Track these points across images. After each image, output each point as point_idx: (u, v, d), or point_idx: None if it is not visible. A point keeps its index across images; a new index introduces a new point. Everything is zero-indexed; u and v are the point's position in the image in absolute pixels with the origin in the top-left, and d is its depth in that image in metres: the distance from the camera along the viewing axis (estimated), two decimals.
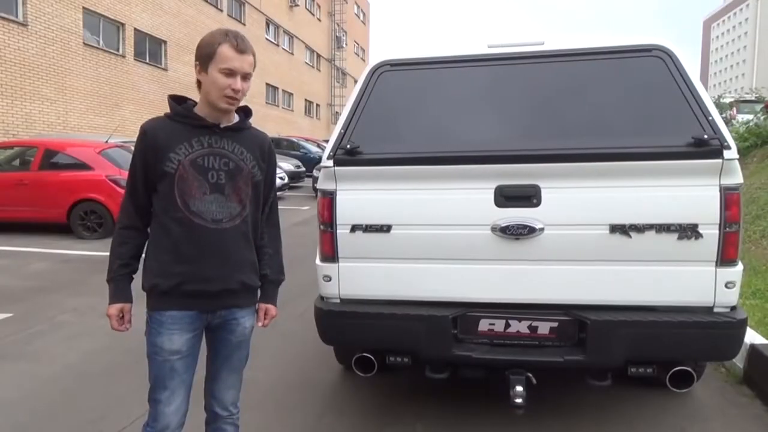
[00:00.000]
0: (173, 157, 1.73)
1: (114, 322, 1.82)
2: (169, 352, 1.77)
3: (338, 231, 2.49)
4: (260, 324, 2.02)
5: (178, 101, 1.84)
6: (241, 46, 1.73)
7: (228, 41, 1.71)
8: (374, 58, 2.73)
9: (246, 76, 1.77)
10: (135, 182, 1.80)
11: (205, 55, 1.73)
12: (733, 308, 2.32)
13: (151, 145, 1.74)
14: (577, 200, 2.32)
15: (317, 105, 37.39)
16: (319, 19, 36.37)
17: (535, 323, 2.43)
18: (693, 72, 2.38)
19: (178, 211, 1.73)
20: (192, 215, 1.74)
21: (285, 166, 15.93)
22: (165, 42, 19.41)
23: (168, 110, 1.82)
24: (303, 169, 17.56)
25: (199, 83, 1.78)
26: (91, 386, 3.24)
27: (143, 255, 1.84)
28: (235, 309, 1.87)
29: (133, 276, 1.84)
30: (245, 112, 1.91)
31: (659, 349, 2.32)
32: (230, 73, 1.72)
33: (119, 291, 1.81)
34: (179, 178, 1.73)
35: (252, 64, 1.78)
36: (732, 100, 17.00)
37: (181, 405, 1.83)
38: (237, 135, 1.83)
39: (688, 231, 2.25)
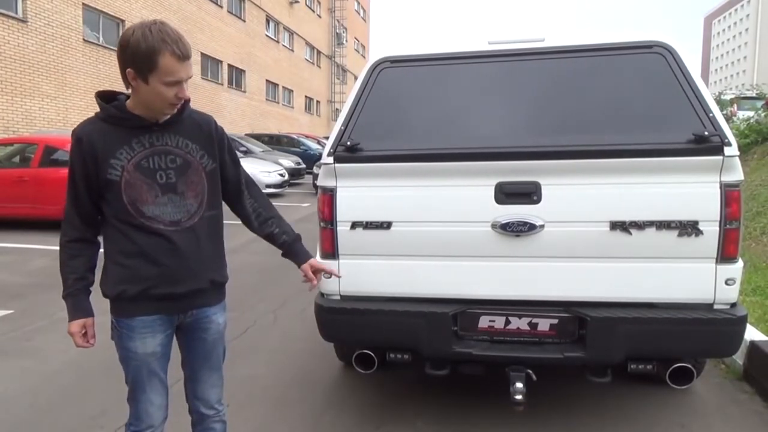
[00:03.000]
0: (115, 164, 1.62)
1: (78, 339, 1.73)
2: (144, 355, 1.72)
3: (338, 228, 2.49)
4: (320, 276, 1.96)
5: (106, 98, 1.69)
6: (183, 51, 1.55)
7: (169, 49, 1.52)
8: (374, 55, 2.72)
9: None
10: (77, 192, 1.67)
11: (142, 65, 1.53)
12: (733, 305, 2.32)
13: (89, 152, 1.61)
14: (578, 197, 2.32)
15: (317, 102, 37.36)
16: (320, 16, 36.30)
17: (535, 320, 2.43)
18: (694, 68, 2.37)
19: (132, 218, 1.64)
20: (148, 221, 1.65)
21: (285, 163, 15.94)
22: None
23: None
24: (303, 166, 17.55)
25: (126, 81, 1.60)
26: (91, 382, 3.25)
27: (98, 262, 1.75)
28: (206, 307, 1.81)
29: (91, 289, 1.74)
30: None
31: (659, 345, 2.33)
32: (176, 83, 1.58)
33: (79, 306, 1.72)
34: (126, 185, 1.63)
35: (192, 62, 1.63)
36: (733, 96, 16.96)
37: (163, 401, 1.81)
38: (178, 126, 1.70)
39: (689, 228, 2.25)
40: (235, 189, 1.90)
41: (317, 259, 2.04)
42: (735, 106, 15.54)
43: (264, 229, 1.96)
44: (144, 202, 1.65)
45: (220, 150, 1.82)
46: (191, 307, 1.78)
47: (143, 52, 1.52)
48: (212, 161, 1.77)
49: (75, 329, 1.72)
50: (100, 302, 1.76)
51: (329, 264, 2.50)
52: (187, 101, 1.74)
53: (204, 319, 1.82)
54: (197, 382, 1.88)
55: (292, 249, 1.98)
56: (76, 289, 1.71)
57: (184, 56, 1.56)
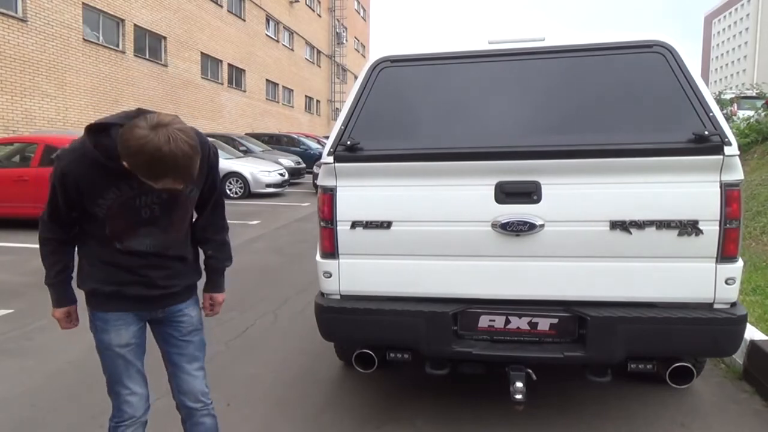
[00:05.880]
0: (102, 203, 1.64)
1: (63, 324, 1.87)
2: (119, 346, 1.78)
3: (338, 227, 2.49)
4: (207, 312, 2.04)
5: (97, 133, 1.59)
6: (185, 178, 1.50)
7: (172, 176, 1.47)
8: (374, 54, 2.72)
9: None
10: (57, 208, 1.68)
11: (143, 171, 1.48)
12: (733, 304, 2.32)
13: (74, 189, 1.62)
14: (578, 196, 2.32)
15: (317, 101, 37.34)
16: (320, 15, 36.27)
17: (535, 319, 2.43)
18: (694, 68, 2.37)
19: (110, 243, 1.70)
20: (126, 248, 1.71)
21: (285, 162, 15.95)
22: (165, 38, 19.37)
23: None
24: (303, 165, 17.56)
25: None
26: (92, 381, 3.24)
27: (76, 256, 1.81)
28: (179, 303, 1.87)
29: (72, 275, 1.82)
30: None
31: (659, 345, 2.33)
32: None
33: (62, 294, 1.82)
34: (110, 220, 1.67)
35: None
36: (733, 96, 16.93)
37: (143, 391, 1.85)
38: None
39: (689, 227, 2.25)
40: (200, 207, 1.92)
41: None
42: (735, 105, 15.52)
43: (200, 245, 1.98)
44: (126, 236, 1.69)
45: (207, 176, 1.82)
46: (163, 306, 1.84)
47: (145, 168, 1.47)
48: (197, 189, 1.80)
49: (60, 315, 1.85)
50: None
51: (328, 262, 2.52)
52: None
53: (177, 313, 1.87)
54: (180, 375, 1.91)
55: (209, 275, 2.03)
56: (59, 279, 1.79)
57: (184, 181, 1.53)
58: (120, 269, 1.72)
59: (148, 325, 1.89)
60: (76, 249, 1.80)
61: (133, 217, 1.67)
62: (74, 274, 1.82)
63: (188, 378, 1.91)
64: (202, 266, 1.99)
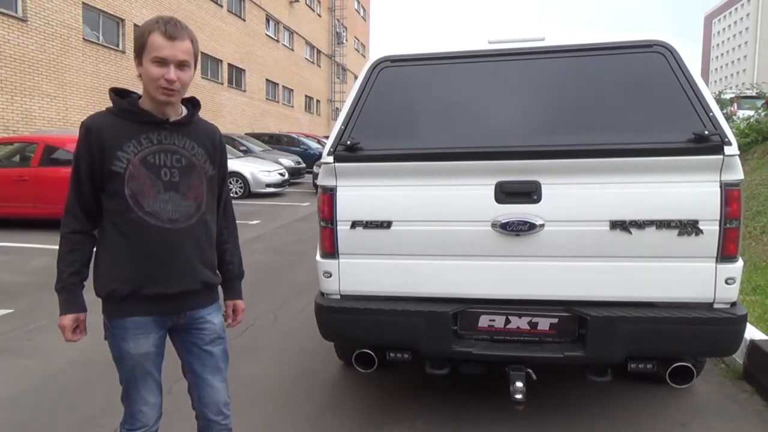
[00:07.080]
0: (122, 156, 1.64)
1: (68, 333, 1.73)
2: (139, 356, 1.73)
3: (338, 227, 2.49)
4: (229, 322, 2.00)
5: (121, 95, 1.74)
6: (171, 32, 1.62)
7: (158, 28, 1.62)
8: (374, 54, 2.72)
9: (182, 65, 1.64)
10: (80, 183, 1.69)
11: (139, 47, 1.65)
12: (733, 304, 2.33)
13: (97, 143, 1.64)
14: (578, 196, 2.32)
15: (317, 101, 37.34)
16: (320, 15, 36.28)
17: (535, 319, 2.43)
18: (694, 67, 2.37)
19: (131, 212, 1.65)
20: (147, 216, 1.66)
21: (285, 162, 15.95)
22: None
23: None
24: (303, 165, 17.57)
25: (140, 77, 1.69)
26: (92, 381, 3.25)
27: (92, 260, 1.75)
28: (199, 309, 1.81)
29: (84, 283, 1.74)
30: (193, 104, 1.81)
31: (659, 344, 2.33)
32: (162, 62, 1.61)
33: (73, 300, 1.72)
34: (130, 178, 1.65)
35: (189, 51, 1.65)
36: (733, 96, 16.92)
37: (157, 400, 1.82)
38: (186, 129, 1.75)
39: (689, 227, 2.25)
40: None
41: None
42: (735, 105, 15.51)
43: (221, 248, 1.96)
44: (145, 196, 1.67)
45: (220, 161, 1.87)
46: (183, 309, 1.78)
47: (139, 34, 1.66)
48: (213, 168, 1.82)
49: (67, 323, 1.72)
50: (96, 302, 1.77)
51: (328, 262, 2.53)
52: (197, 107, 1.80)
53: (198, 319, 1.82)
54: (202, 386, 1.86)
55: (230, 282, 2.01)
56: (71, 283, 1.71)
57: (170, 35, 1.62)
58: (138, 259, 1.67)
59: (168, 335, 1.84)
60: (95, 251, 1.74)
61: (153, 175, 1.67)
62: (87, 282, 1.76)
63: (212, 391, 1.86)
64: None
